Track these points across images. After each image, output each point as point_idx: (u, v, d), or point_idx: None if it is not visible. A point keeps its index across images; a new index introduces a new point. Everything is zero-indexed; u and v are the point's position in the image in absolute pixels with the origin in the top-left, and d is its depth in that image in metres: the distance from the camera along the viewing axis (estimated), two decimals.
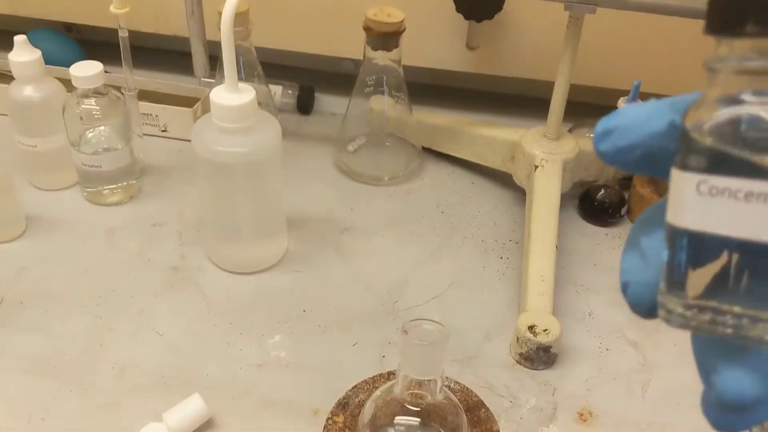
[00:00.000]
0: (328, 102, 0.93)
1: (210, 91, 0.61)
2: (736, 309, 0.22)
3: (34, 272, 0.67)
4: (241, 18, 0.75)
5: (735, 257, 0.22)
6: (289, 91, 0.91)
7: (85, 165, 0.72)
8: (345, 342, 0.62)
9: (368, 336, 0.63)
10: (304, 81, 0.92)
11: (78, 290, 0.65)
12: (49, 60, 0.72)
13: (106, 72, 0.70)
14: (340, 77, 0.95)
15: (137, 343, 0.61)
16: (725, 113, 0.22)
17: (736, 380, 0.22)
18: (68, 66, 0.69)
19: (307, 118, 0.92)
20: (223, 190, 0.64)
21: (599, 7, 0.64)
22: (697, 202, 0.22)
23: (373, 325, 0.64)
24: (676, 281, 0.23)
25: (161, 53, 0.96)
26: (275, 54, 0.88)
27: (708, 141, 0.22)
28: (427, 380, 0.47)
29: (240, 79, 0.62)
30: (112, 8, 0.68)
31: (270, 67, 0.81)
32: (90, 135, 0.73)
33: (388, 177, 0.80)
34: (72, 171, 0.75)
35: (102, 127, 0.73)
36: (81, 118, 0.71)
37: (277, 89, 0.90)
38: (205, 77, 0.76)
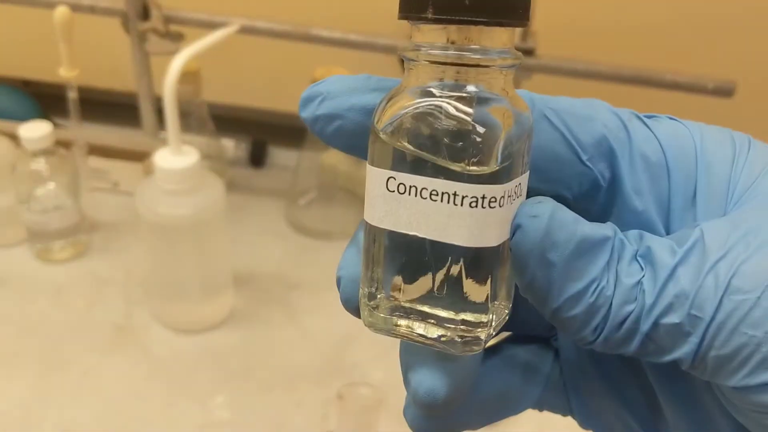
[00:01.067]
0: (281, 155, 0.95)
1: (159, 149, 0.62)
2: (428, 310, 0.21)
3: None
4: (191, 76, 0.77)
5: (427, 258, 0.21)
6: (242, 144, 0.92)
7: (34, 223, 0.73)
8: (288, 401, 0.62)
9: (312, 394, 0.63)
10: (257, 134, 0.93)
11: (22, 350, 0.65)
12: (3, 114, 0.73)
13: (60, 125, 0.70)
14: (293, 130, 0.96)
15: (79, 405, 0.60)
16: (409, 109, 0.21)
17: (430, 378, 0.22)
18: (23, 120, 0.69)
19: (259, 171, 0.93)
20: (167, 250, 0.65)
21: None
22: (386, 199, 0.21)
23: (317, 383, 0.64)
24: (372, 281, 0.22)
25: (115, 107, 0.97)
26: (228, 108, 0.89)
27: (392, 139, 0.21)
28: None
29: (190, 133, 0.64)
30: (61, 71, 0.69)
31: (223, 120, 0.82)
32: (39, 193, 0.73)
33: (338, 232, 0.82)
34: (20, 227, 0.75)
35: (51, 185, 0.73)
36: (30, 178, 0.71)
37: (229, 144, 0.91)
38: (153, 134, 0.77)
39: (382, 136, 0.21)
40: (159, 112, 0.80)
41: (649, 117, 0.23)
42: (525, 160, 0.21)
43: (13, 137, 0.73)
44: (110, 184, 0.85)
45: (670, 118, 0.23)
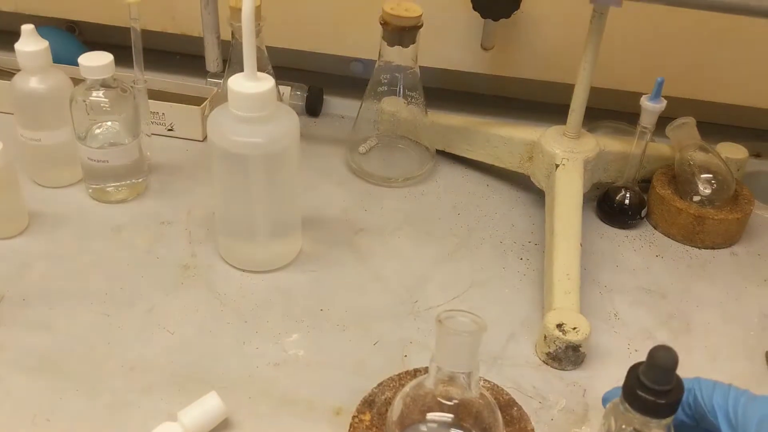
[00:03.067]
0: (336, 104, 0.91)
1: (217, 89, 0.58)
2: None
3: (38, 269, 0.64)
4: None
5: None
6: (298, 93, 0.89)
7: (92, 160, 0.70)
8: (365, 341, 0.59)
9: (389, 335, 0.60)
10: (312, 83, 0.90)
11: (84, 287, 0.62)
12: (53, 59, 0.70)
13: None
14: (348, 80, 0.93)
15: (147, 342, 0.58)
16: None
17: None
18: (72, 65, 0.66)
19: (315, 121, 0.90)
20: (238, 183, 0.62)
21: None
22: None
23: (393, 325, 0.61)
24: None
25: (167, 55, 0.94)
26: (283, 55, 0.86)
27: None
28: (462, 373, 0.45)
29: None
30: None
31: (277, 70, 0.79)
32: (97, 131, 0.70)
33: (401, 178, 0.78)
34: (76, 168, 0.73)
35: (109, 123, 0.70)
36: (88, 112, 0.68)
37: (285, 90, 0.88)
38: (216, 71, 0.74)
39: None
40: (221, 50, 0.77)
41: None
42: None
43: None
44: (166, 126, 0.82)
45: None
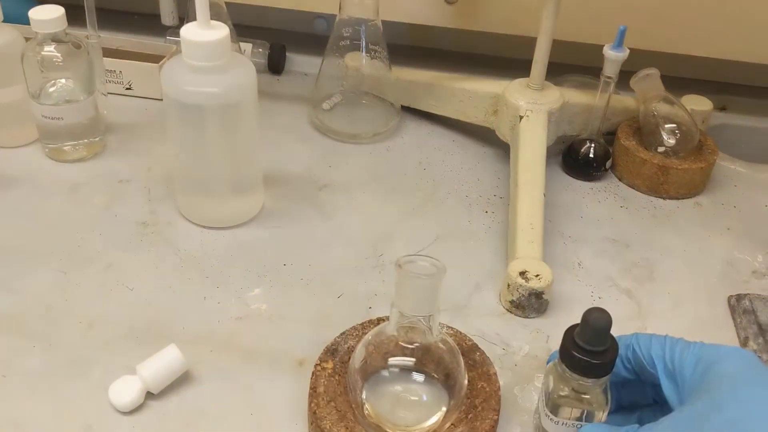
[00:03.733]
0: (299, 62, 0.90)
1: (176, 47, 0.57)
2: None
3: None
4: None
5: None
6: (260, 50, 0.87)
7: (46, 117, 0.68)
8: (329, 295, 0.59)
9: (353, 288, 0.60)
10: (274, 41, 0.88)
11: (40, 246, 0.61)
12: (6, 19, 0.67)
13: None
14: (311, 38, 0.91)
15: (106, 298, 0.57)
16: None
17: None
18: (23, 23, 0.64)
19: (278, 79, 0.88)
20: (195, 137, 0.60)
21: None
22: None
23: (358, 278, 0.61)
24: None
25: (125, 15, 0.91)
26: (244, 12, 0.84)
27: None
28: (422, 317, 0.45)
29: None
30: None
31: (239, 28, 0.77)
32: (51, 88, 0.68)
33: (366, 135, 0.77)
34: (31, 127, 0.71)
35: (63, 80, 0.68)
36: (41, 69, 0.66)
37: (246, 47, 0.86)
38: (172, 24, 0.72)
39: None
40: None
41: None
42: None
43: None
44: (124, 85, 0.80)
45: None
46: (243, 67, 0.59)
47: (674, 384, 0.43)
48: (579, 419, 0.45)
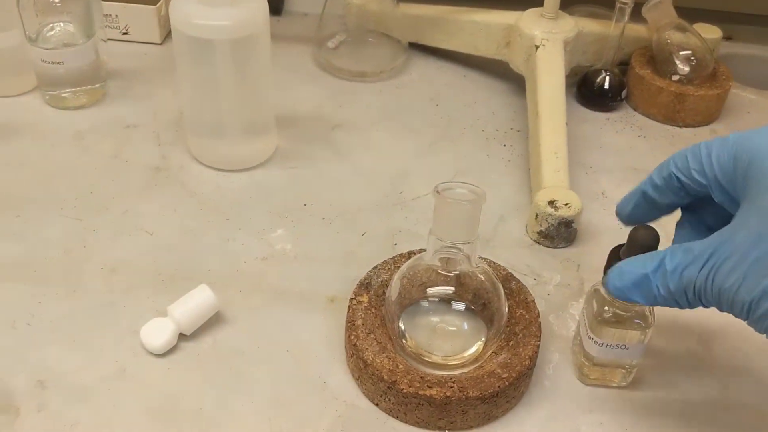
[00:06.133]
0: (297, 2, 0.87)
1: None
2: None
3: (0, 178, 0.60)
4: None
5: None
6: None
7: (46, 62, 0.65)
8: (353, 232, 0.58)
9: (376, 226, 0.58)
10: None
11: (51, 194, 0.59)
12: None
13: None
14: None
15: (125, 243, 0.55)
16: None
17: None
18: None
19: (278, 19, 0.85)
20: (205, 75, 0.58)
21: None
22: None
23: (380, 215, 0.59)
24: None
25: None
26: None
27: None
28: (461, 245, 0.44)
29: None
30: None
31: None
32: (49, 33, 0.65)
33: (373, 72, 0.75)
34: (29, 75, 0.68)
35: (61, 24, 0.65)
36: (37, 13, 0.63)
37: None
38: None
39: None
40: None
41: None
42: None
43: None
44: (121, 30, 0.77)
45: None
46: (254, 0, 0.57)
47: (724, 192, 0.39)
48: (622, 341, 0.45)
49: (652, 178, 0.42)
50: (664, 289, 0.38)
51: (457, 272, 0.45)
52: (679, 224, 0.44)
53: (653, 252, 0.39)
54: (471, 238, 0.44)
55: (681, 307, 0.38)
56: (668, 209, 0.43)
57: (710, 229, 0.40)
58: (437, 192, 0.42)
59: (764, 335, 0.35)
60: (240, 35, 0.56)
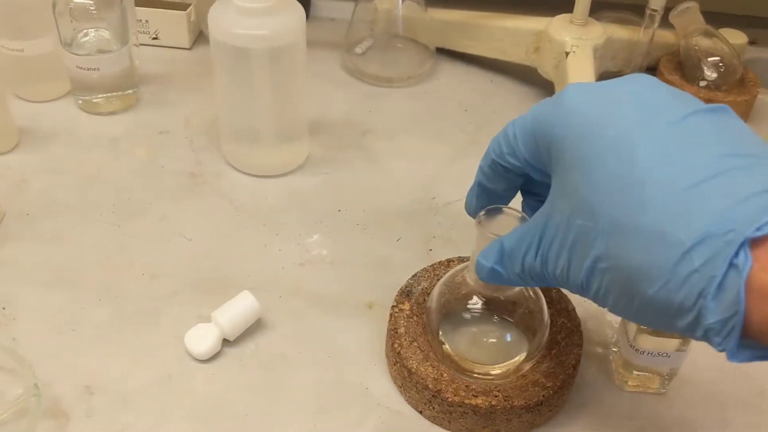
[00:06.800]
0: (323, 7, 0.87)
1: None
2: None
3: (36, 184, 0.61)
4: None
5: None
6: None
7: (81, 68, 0.66)
8: (388, 238, 0.58)
9: (411, 231, 0.59)
10: None
11: (88, 200, 0.59)
12: None
13: None
14: None
15: (165, 249, 0.56)
16: None
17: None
18: None
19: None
20: (242, 82, 0.58)
21: None
22: None
23: (414, 221, 0.60)
24: None
25: None
26: None
27: None
28: None
29: None
30: None
31: None
32: (83, 39, 0.66)
33: (401, 78, 0.76)
34: (63, 80, 0.69)
35: (94, 31, 0.66)
36: (72, 18, 0.64)
37: None
38: None
39: None
40: None
41: None
42: None
43: None
44: (151, 35, 0.77)
45: None
46: (292, 9, 0.57)
47: (538, 171, 0.39)
48: (663, 349, 0.45)
49: (482, 168, 0.42)
50: (513, 276, 0.39)
51: (498, 297, 0.45)
52: (523, 208, 0.45)
53: (494, 241, 0.40)
54: None
55: (541, 285, 0.39)
56: (507, 195, 0.43)
57: None
58: (479, 223, 0.42)
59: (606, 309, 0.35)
60: (278, 44, 0.57)
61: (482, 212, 0.42)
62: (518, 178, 0.41)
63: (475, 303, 0.46)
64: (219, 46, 0.57)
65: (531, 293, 0.46)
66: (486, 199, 0.43)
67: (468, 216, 0.45)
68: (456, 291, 0.46)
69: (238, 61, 0.57)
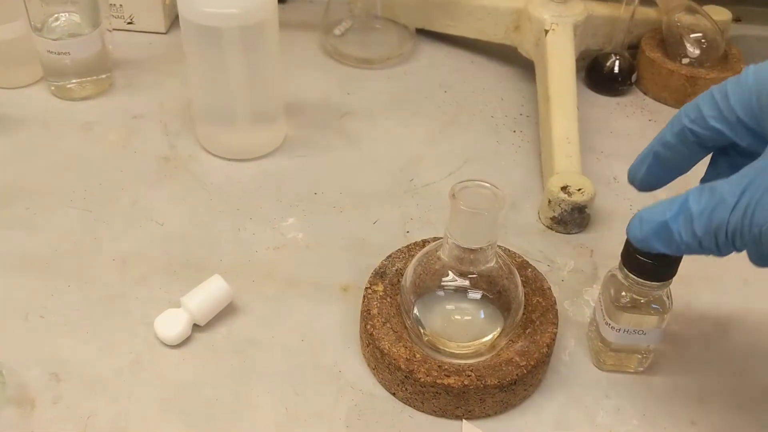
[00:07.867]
0: None
1: None
2: None
3: (8, 170, 0.60)
4: None
5: None
6: None
7: (52, 53, 0.64)
8: (364, 220, 0.57)
9: (388, 213, 0.58)
10: None
11: (60, 185, 0.58)
12: None
13: None
14: None
15: (136, 234, 0.55)
16: None
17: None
18: None
19: (283, 7, 0.84)
20: (214, 63, 0.57)
21: None
22: None
23: (391, 203, 0.59)
24: None
25: None
26: None
27: None
28: (478, 248, 0.43)
29: None
30: None
31: None
32: (54, 23, 0.65)
33: (380, 59, 0.75)
34: (34, 66, 0.67)
35: (65, 15, 0.65)
36: (42, 2, 0.63)
37: None
38: None
39: None
40: None
41: None
42: None
43: None
44: (125, 19, 0.76)
45: None
46: None
47: (750, 132, 0.36)
48: (639, 327, 0.44)
49: (664, 136, 0.39)
50: (688, 235, 0.35)
51: (475, 275, 0.44)
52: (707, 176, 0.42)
53: (673, 197, 0.36)
54: (489, 242, 0.43)
55: (706, 253, 0.35)
56: (683, 168, 0.41)
57: None
58: (453, 196, 0.41)
59: None
60: (249, 23, 0.55)
61: (457, 185, 0.41)
62: (703, 150, 0.39)
63: (451, 280, 0.45)
64: (189, 26, 0.56)
65: (506, 269, 0.45)
66: (659, 170, 0.41)
67: (446, 197, 0.44)
68: (430, 268, 0.45)
69: (209, 41, 0.56)
